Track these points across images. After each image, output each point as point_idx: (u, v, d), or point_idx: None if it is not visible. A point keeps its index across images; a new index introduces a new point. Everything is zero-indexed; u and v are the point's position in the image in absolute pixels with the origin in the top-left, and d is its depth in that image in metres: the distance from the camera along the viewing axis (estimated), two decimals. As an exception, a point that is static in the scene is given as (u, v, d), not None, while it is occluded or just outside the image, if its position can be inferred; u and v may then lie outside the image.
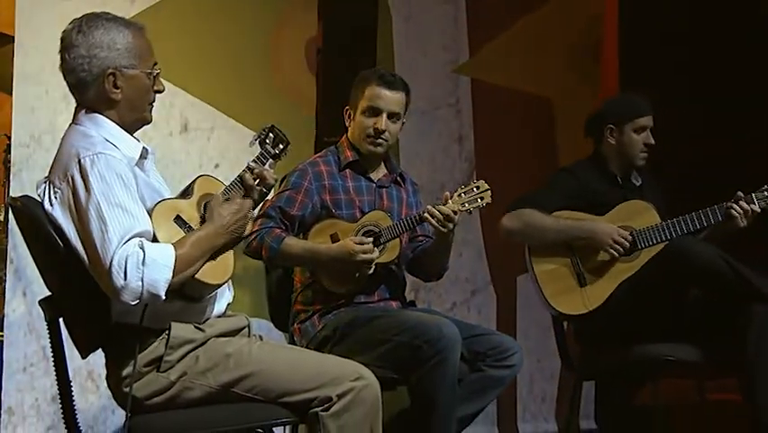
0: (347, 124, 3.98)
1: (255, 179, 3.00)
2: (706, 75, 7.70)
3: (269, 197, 3.34)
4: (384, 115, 3.88)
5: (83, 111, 2.94)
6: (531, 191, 4.48)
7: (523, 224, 4.41)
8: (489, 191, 3.83)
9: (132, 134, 2.97)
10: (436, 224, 3.76)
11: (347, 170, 3.95)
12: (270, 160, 3.07)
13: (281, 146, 3.10)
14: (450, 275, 4.99)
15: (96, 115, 2.92)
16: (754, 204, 4.30)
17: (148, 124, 3.03)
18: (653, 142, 4.50)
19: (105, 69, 2.89)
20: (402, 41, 5.24)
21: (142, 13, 4.28)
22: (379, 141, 3.90)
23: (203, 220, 2.94)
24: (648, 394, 4.65)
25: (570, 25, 5.81)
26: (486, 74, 5.52)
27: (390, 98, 3.88)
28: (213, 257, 2.89)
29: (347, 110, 3.96)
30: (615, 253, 4.28)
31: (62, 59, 2.92)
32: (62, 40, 2.92)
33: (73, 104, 2.97)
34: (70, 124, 2.95)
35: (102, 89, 2.90)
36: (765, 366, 4.21)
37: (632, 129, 4.50)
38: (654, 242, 4.31)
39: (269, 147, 3.08)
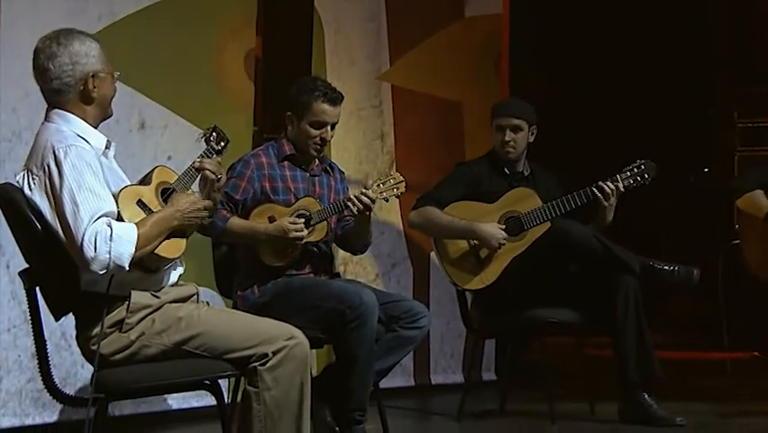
0: (289, 126, 3.97)
1: (215, 175, 3.02)
2: (580, 81, 8.03)
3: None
4: (328, 127, 3.91)
5: (54, 110, 2.95)
6: (432, 189, 4.52)
7: (424, 220, 4.48)
8: (404, 182, 3.86)
9: (96, 129, 2.99)
10: (356, 210, 3.82)
11: (285, 162, 3.96)
12: (215, 155, 3.09)
13: (223, 143, 3.11)
14: (373, 250, 5.04)
15: (66, 113, 2.94)
16: (619, 183, 4.36)
17: (111, 117, 3.06)
18: (507, 139, 4.50)
19: (88, 74, 2.92)
20: (333, 52, 5.21)
21: (107, 29, 4.25)
22: (322, 148, 3.96)
23: (162, 204, 2.97)
24: (537, 350, 4.76)
25: (475, 40, 5.81)
26: (404, 81, 5.50)
27: (333, 113, 3.91)
28: (169, 236, 2.92)
29: (289, 115, 3.95)
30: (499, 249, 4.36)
31: (44, 68, 2.92)
32: (41, 52, 2.93)
33: (49, 103, 3.00)
34: (43, 122, 2.96)
35: (84, 90, 2.93)
36: (630, 327, 4.32)
37: (495, 128, 4.56)
38: (537, 222, 4.37)
39: (213, 144, 3.10)
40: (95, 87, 2.94)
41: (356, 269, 5.27)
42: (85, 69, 2.92)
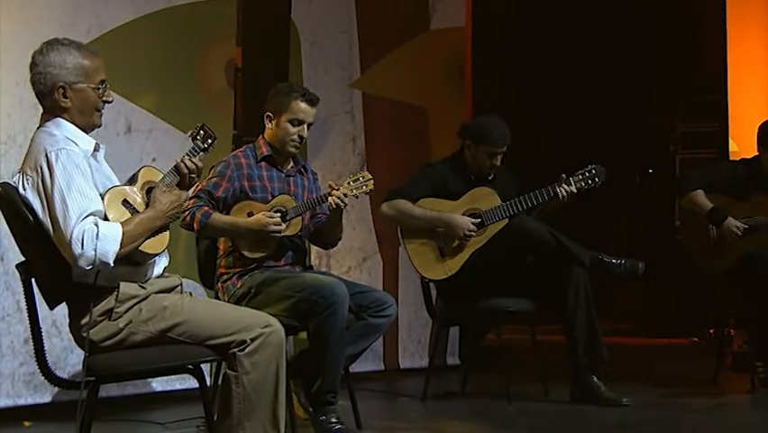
0: (268, 125, 3.98)
1: (189, 171, 3.01)
2: (536, 90, 8.14)
3: (202, 182, 3.37)
4: (305, 126, 3.94)
5: (46, 117, 2.96)
6: (403, 184, 4.54)
7: (396, 212, 4.50)
8: (372, 180, 3.88)
9: (87, 133, 2.99)
10: (327, 207, 3.83)
11: (263, 162, 3.97)
12: (201, 152, 3.07)
13: (210, 141, 3.09)
14: (345, 245, 5.07)
15: (58, 118, 2.94)
16: (572, 185, 4.43)
17: (98, 127, 3.03)
18: (498, 164, 4.50)
19: (56, 84, 2.90)
20: (308, 61, 5.25)
21: (96, 40, 4.25)
22: (300, 145, 3.98)
23: (147, 203, 2.97)
24: (495, 337, 4.80)
25: (441, 50, 5.84)
26: (374, 88, 5.53)
27: (311, 113, 3.94)
28: (152, 234, 2.93)
29: (268, 115, 3.97)
30: (465, 241, 4.39)
31: (30, 74, 2.94)
32: (31, 59, 2.95)
33: (40, 110, 2.99)
34: (38, 128, 2.97)
35: (54, 99, 2.92)
36: (580, 315, 4.37)
37: (483, 152, 4.50)
38: (498, 219, 4.40)
39: (199, 142, 3.07)
40: (65, 98, 2.92)
41: (330, 262, 5.30)
42: (55, 79, 2.91)
